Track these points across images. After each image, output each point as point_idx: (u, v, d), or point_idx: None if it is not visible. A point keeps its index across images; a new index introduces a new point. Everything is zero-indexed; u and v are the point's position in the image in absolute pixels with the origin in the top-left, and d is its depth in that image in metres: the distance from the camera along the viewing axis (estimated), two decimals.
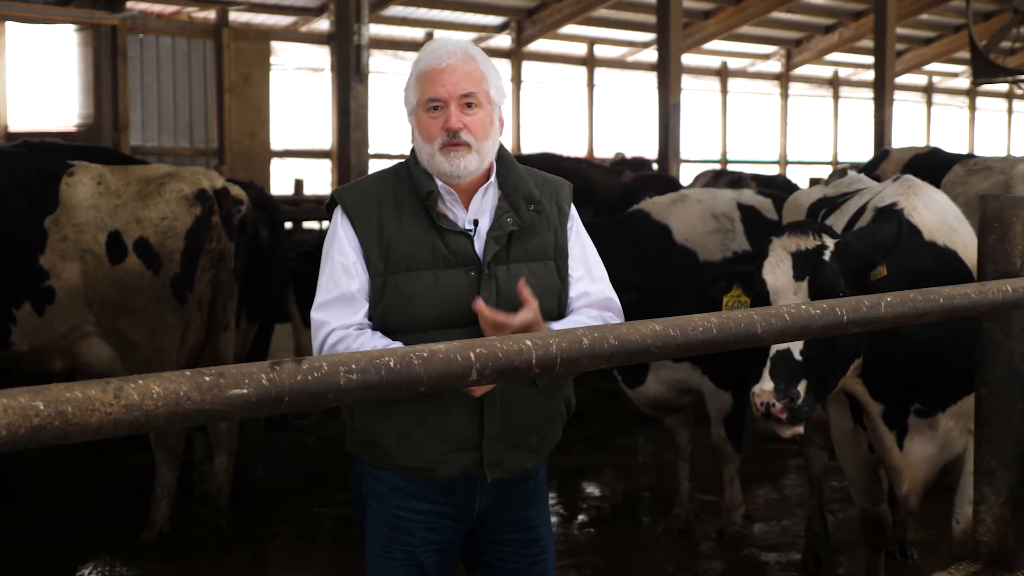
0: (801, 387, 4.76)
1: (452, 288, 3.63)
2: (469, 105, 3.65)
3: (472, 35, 21.64)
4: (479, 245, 3.68)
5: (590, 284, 3.85)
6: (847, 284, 4.97)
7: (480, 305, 3.51)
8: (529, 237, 3.74)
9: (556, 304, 3.77)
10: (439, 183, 3.69)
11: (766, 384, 4.73)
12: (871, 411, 5.38)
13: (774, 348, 4.76)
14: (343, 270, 3.67)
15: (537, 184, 3.82)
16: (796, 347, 4.77)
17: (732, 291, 5.24)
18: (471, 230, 3.70)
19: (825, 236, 5.07)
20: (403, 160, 3.85)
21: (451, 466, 3.68)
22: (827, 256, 4.99)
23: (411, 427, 3.66)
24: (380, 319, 3.65)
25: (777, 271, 5.02)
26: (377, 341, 3.57)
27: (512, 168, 3.79)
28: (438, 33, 21.47)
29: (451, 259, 3.65)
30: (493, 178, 3.75)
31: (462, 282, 3.64)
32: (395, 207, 3.69)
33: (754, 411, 4.78)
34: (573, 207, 3.91)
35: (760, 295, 5.04)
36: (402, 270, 3.64)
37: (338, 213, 3.73)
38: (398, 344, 3.52)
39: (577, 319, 3.76)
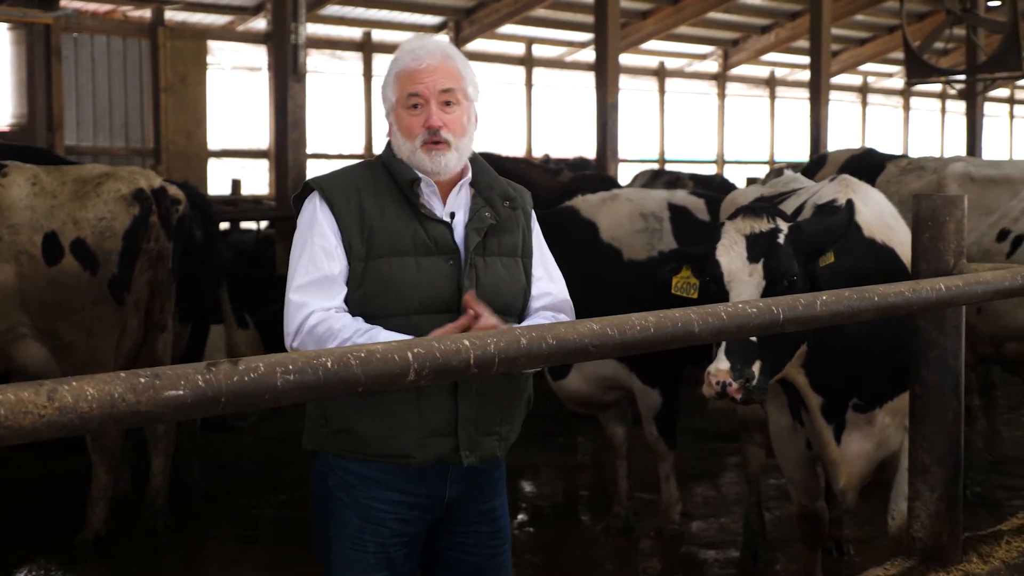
0: (756, 367, 4.76)
1: (433, 275, 3.71)
2: (448, 103, 3.77)
3: (410, 35, 21.56)
4: (458, 235, 3.77)
5: (550, 283, 3.97)
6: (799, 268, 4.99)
7: (470, 297, 3.60)
8: (503, 233, 3.85)
9: (521, 301, 3.89)
10: (420, 175, 3.77)
11: (722, 363, 4.70)
12: (810, 403, 5.40)
13: None
14: (324, 253, 3.70)
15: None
16: None
17: (681, 273, 5.22)
18: (450, 221, 3.79)
19: (779, 219, 5.07)
20: (369, 159, 3.91)
21: (427, 451, 3.71)
22: (781, 239, 4.99)
23: (388, 413, 3.68)
24: (359, 305, 3.68)
25: (731, 253, 5.00)
26: (359, 324, 3.60)
27: (486, 168, 3.91)
28: (376, 33, 21.40)
29: (431, 247, 3.72)
30: (469, 175, 3.85)
31: (442, 270, 3.72)
32: (375, 195, 3.76)
33: (707, 390, 4.73)
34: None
35: (714, 277, 5.02)
36: (384, 255, 3.69)
37: (316, 199, 3.78)
38: (378, 328, 3.58)
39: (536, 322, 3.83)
